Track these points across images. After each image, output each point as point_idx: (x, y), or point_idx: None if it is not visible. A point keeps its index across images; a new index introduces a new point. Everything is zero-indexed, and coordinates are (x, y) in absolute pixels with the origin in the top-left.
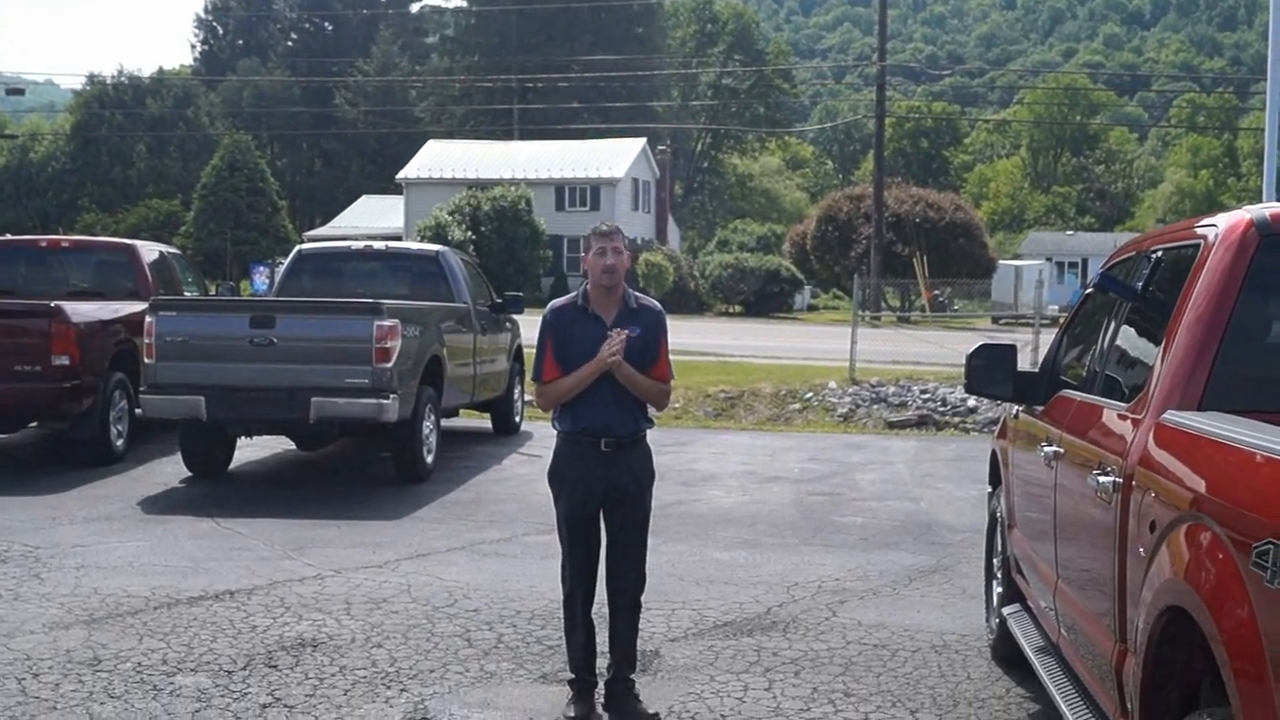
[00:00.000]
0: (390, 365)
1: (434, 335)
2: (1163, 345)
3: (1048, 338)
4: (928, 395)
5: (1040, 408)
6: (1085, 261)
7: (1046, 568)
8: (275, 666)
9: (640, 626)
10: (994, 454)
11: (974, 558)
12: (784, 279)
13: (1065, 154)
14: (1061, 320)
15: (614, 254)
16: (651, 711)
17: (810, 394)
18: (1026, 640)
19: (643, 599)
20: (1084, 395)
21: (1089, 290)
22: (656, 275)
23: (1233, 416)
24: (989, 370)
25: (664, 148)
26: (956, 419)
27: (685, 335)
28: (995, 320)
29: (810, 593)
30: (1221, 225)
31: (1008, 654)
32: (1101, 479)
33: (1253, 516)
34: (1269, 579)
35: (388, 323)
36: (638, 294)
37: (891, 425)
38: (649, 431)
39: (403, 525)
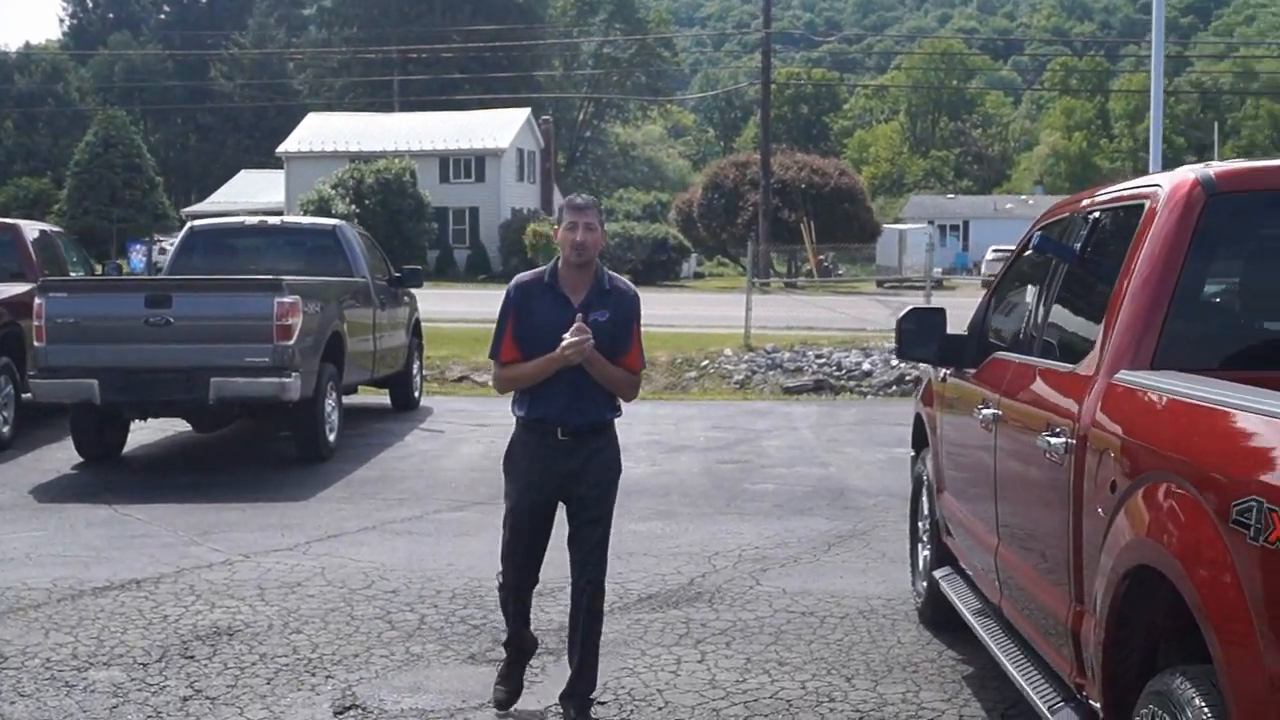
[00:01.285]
0: (291, 343)
1: (334, 311)
2: (1110, 306)
3: (937, 300)
4: (823, 360)
5: (972, 371)
6: (966, 224)
7: (985, 530)
8: (192, 657)
9: (563, 601)
10: (918, 418)
11: (890, 521)
12: (671, 247)
13: (943, 118)
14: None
15: (585, 230)
16: None
17: (706, 361)
18: (963, 603)
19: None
20: (1022, 357)
21: (1021, 252)
22: (544, 245)
23: (1189, 375)
24: (919, 334)
25: (547, 117)
26: (852, 383)
27: None
28: (880, 284)
29: (731, 562)
30: (1167, 185)
31: (937, 617)
32: (1052, 440)
33: (1231, 475)
34: (1251, 536)
35: (288, 299)
36: (613, 274)
37: (788, 391)
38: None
39: (310, 506)
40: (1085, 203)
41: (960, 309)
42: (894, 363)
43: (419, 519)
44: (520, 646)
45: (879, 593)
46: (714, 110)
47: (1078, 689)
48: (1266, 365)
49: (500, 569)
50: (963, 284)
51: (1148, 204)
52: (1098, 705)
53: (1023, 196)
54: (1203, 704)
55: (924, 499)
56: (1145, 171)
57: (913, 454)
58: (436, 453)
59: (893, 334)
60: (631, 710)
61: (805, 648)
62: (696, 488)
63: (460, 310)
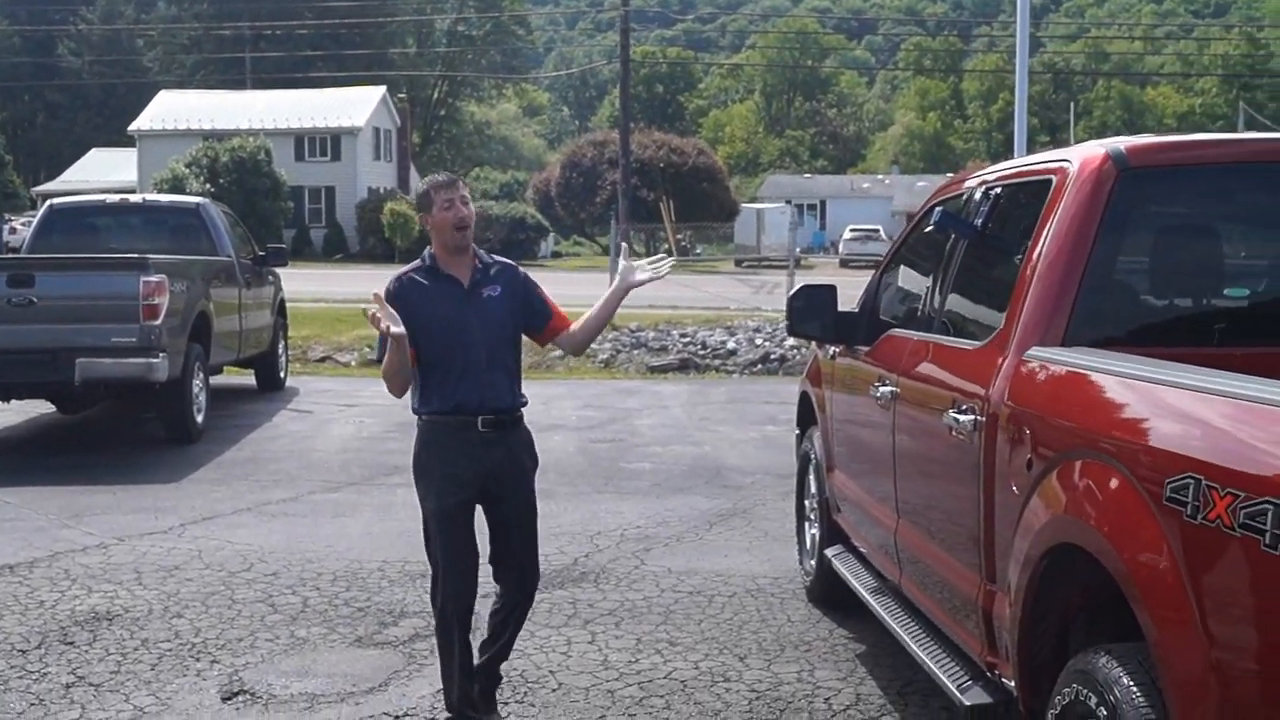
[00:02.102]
0: (158, 322)
1: (200, 290)
2: (1017, 283)
3: (799, 279)
4: (687, 339)
5: (865, 349)
6: (823, 204)
7: (883, 508)
8: (72, 643)
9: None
10: (804, 396)
11: (770, 499)
12: (530, 226)
13: (798, 98)
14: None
15: (463, 204)
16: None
17: None
18: (858, 581)
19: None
20: (921, 334)
21: (914, 229)
22: (401, 225)
23: (1102, 352)
24: (809, 311)
25: (403, 95)
26: (717, 361)
27: None
28: (739, 264)
29: (614, 541)
30: (1076, 160)
31: (825, 595)
32: (959, 418)
33: (1162, 452)
34: (1188, 514)
35: (155, 278)
36: (482, 251)
37: (653, 370)
38: None
39: (182, 488)
40: (985, 178)
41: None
42: (758, 341)
43: (294, 500)
44: (464, 668)
45: (765, 571)
46: (569, 89)
47: (989, 667)
48: (1176, 341)
49: (434, 609)
50: (821, 263)
51: (1055, 179)
52: (1011, 684)
53: (879, 176)
54: (1130, 682)
55: (810, 477)
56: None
57: (797, 432)
58: (306, 433)
59: (754, 313)
60: (525, 692)
61: (696, 627)
62: (573, 467)
63: (320, 290)
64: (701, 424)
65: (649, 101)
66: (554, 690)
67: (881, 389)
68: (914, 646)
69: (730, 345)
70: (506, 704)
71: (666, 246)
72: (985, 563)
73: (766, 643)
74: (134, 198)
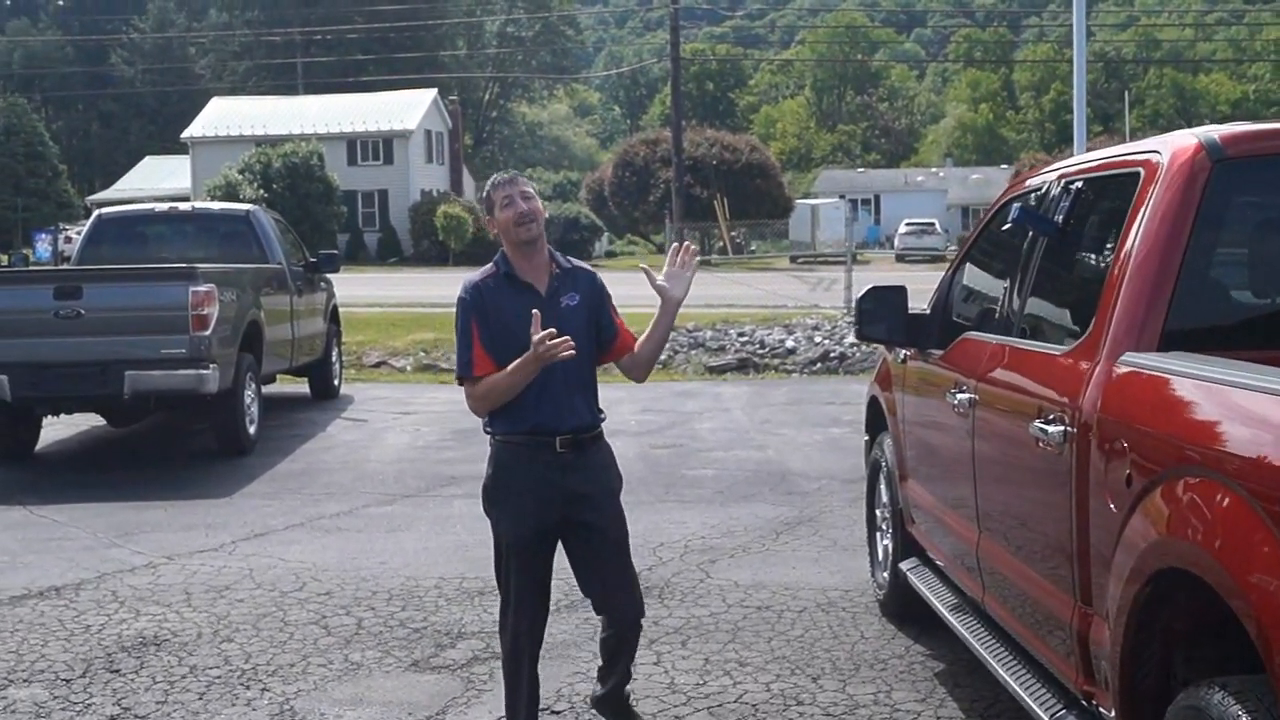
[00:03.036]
0: (208, 333)
1: (251, 299)
2: (1107, 284)
3: (855, 275)
4: (745, 338)
5: (938, 352)
6: (877, 198)
7: (963, 521)
8: (118, 671)
9: None
10: (874, 401)
11: (837, 507)
12: (584, 226)
13: (849, 92)
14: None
15: (523, 198)
16: None
17: None
18: (936, 598)
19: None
20: (1000, 338)
21: (987, 226)
22: (455, 228)
23: (1202, 357)
24: (878, 314)
25: (454, 98)
26: (776, 361)
27: None
28: (794, 260)
29: (678, 554)
30: (1167, 151)
31: (901, 610)
32: (1049, 428)
33: None
34: None
35: (203, 288)
36: (560, 254)
37: (712, 370)
38: None
39: (234, 503)
40: (1064, 171)
41: (883, 283)
42: (817, 339)
43: (348, 514)
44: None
45: (836, 584)
46: (619, 88)
47: (1086, 696)
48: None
49: (502, 640)
50: (876, 258)
51: (1144, 172)
52: (1111, 715)
53: (933, 169)
54: (1249, 718)
55: (882, 486)
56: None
57: (867, 438)
58: (361, 443)
59: (812, 310)
60: (591, 716)
61: (765, 645)
62: (633, 474)
63: (374, 295)
64: (763, 427)
65: (700, 99)
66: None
67: (959, 395)
68: (1001, 671)
69: (789, 344)
70: None
71: (721, 244)
72: (1080, 583)
73: (840, 662)
74: (183, 206)
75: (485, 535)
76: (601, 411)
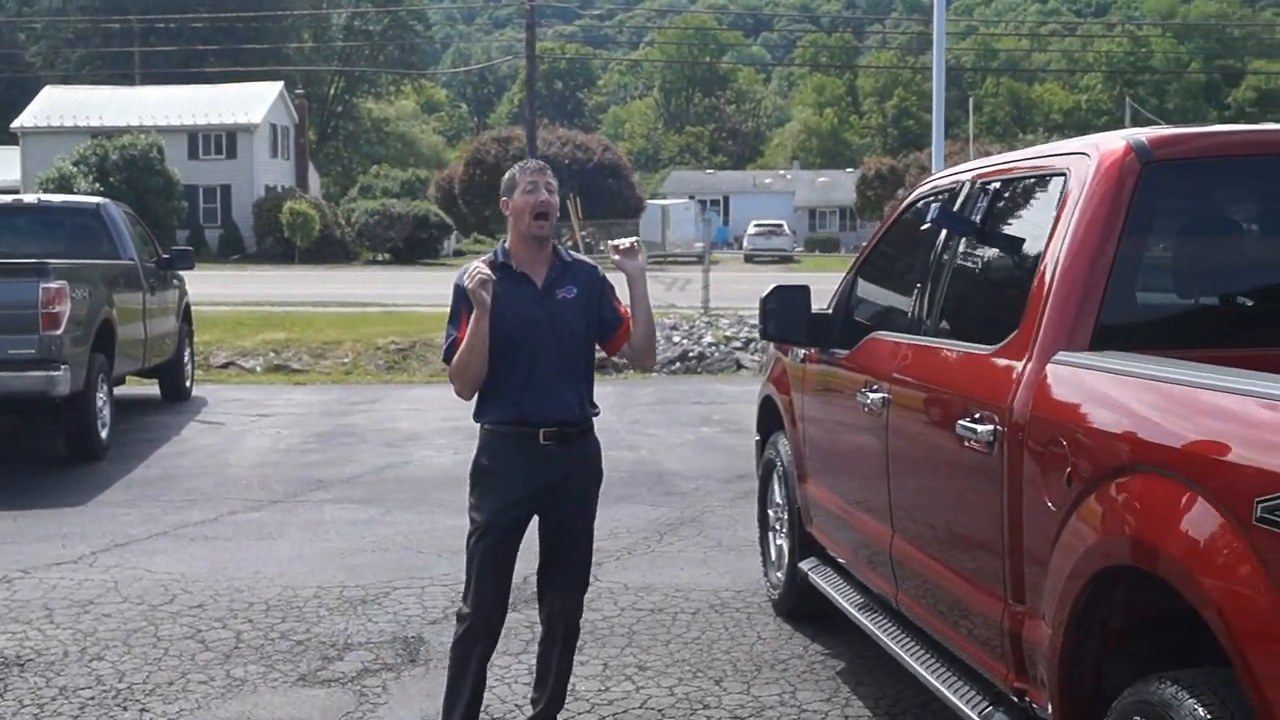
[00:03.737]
0: (60, 332)
1: (103, 296)
2: (1035, 284)
3: (713, 275)
4: None
5: (843, 352)
6: (726, 199)
7: (874, 521)
8: None
9: (392, 609)
10: (767, 401)
11: (717, 507)
12: (433, 224)
13: (696, 94)
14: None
15: (548, 190)
16: None
17: None
18: (842, 597)
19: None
20: (914, 338)
21: (891, 226)
22: (301, 225)
23: (1138, 356)
24: (782, 313)
25: (301, 92)
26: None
27: (344, 285)
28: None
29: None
30: (1096, 153)
31: (795, 609)
32: (977, 427)
33: (1253, 470)
34: None
35: (55, 285)
36: (566, 249)
37: None
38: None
39: (90, 511)
40: (981, 172)
41: (733, 283)
42: (675, 339)
43: (214, 522)
44: (473, 697)
45: (727, 585)
46: (466, 86)
47: (1018, 694)
48: (1209, 343)
49: (458, 626)
50: (725, 258)
51: (1070, 173)
52: (1045, 711)
53: (780, 171)
54: (1206, 714)
55: (775, 486)
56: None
57: (758, 439)
58: (219, 447)
59: (670, 310)
60: None
61: (663, 649)
62: None
63: (219, 293)
64: (633, 427)
65: (548, 98)
66: None
67: (871, 395)
68: (920, 669)
69: None
70: None
71: (571, 244)
72: (1011, 583)
73: (741, 663)
74: (28, 198)
75: (362, 542)
76: (595, 407)
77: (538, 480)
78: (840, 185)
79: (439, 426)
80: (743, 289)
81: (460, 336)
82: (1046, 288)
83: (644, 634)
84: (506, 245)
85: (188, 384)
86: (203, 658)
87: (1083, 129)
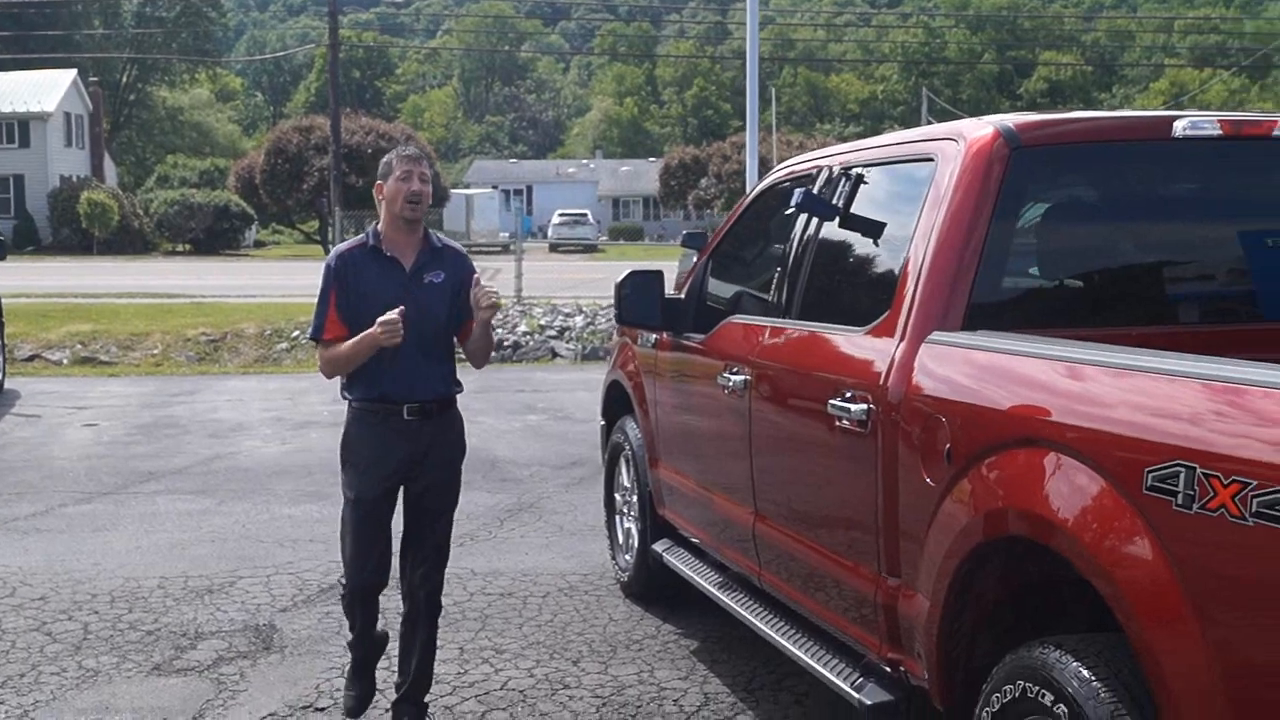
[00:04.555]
0: None
1: None
2: (905, 267)
3: (510, 265)
4: None
5: (698, 337)
6: (529, 188)
7: (735, 502)
8: None
9: (239, 598)
10: (614, 386)
11: (554, 493)
12: (234, 215)
13: (496, 83)
14: (509, 247)
15: (420, 180)
16: None
17: (297, 332)
18: (699, 576)
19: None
20: (775, 321)
21: (742, 214)
22: (100, 215)
23: (1017, 335)
24: (636, 299)
25: (95, 79)
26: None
27: (147, 277)
28: None
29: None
30: (964, 139)
31: (644, 591)
32: (850, 406)
33: (1140, 441)
34: (1180, 504)
35: None
36: (438, 234)
37: None
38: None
39: None
40: (843, 158)
41: (542, 272)
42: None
43: (44, 514)
44: (370, 644)
45: (573, 568)
46: (262, 74)
47: (891, 664)
48: (1074, 323)
49: (342, 597)
50: (530, 248)
51: (939, 157)
52: (919, 680)
53: (583, 161)
54: (1090, 675)
55: (623, 470)
56: (695, 138)
57: (603, 424)
58: (39, 440)
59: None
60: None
61: (517, 632)
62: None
63: (18, 285)
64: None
65: (347, 87)
66: (386, 711)
67: (732, 378)
68: (788, 645)
69: None
70: None
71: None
72: (885, 557)
73: (595, 644)
74: None
75: (200, 533)
76: (458, 384)
77: (402, 452)
78: (643, 174)
79: (262, 417)
80: (551, 278)
81: (330, 317)
82: (918, 271)
83: (497, 618)
84: (379, 228)
85: (0, 377)
86: (51, 649)
87: (879, 119)
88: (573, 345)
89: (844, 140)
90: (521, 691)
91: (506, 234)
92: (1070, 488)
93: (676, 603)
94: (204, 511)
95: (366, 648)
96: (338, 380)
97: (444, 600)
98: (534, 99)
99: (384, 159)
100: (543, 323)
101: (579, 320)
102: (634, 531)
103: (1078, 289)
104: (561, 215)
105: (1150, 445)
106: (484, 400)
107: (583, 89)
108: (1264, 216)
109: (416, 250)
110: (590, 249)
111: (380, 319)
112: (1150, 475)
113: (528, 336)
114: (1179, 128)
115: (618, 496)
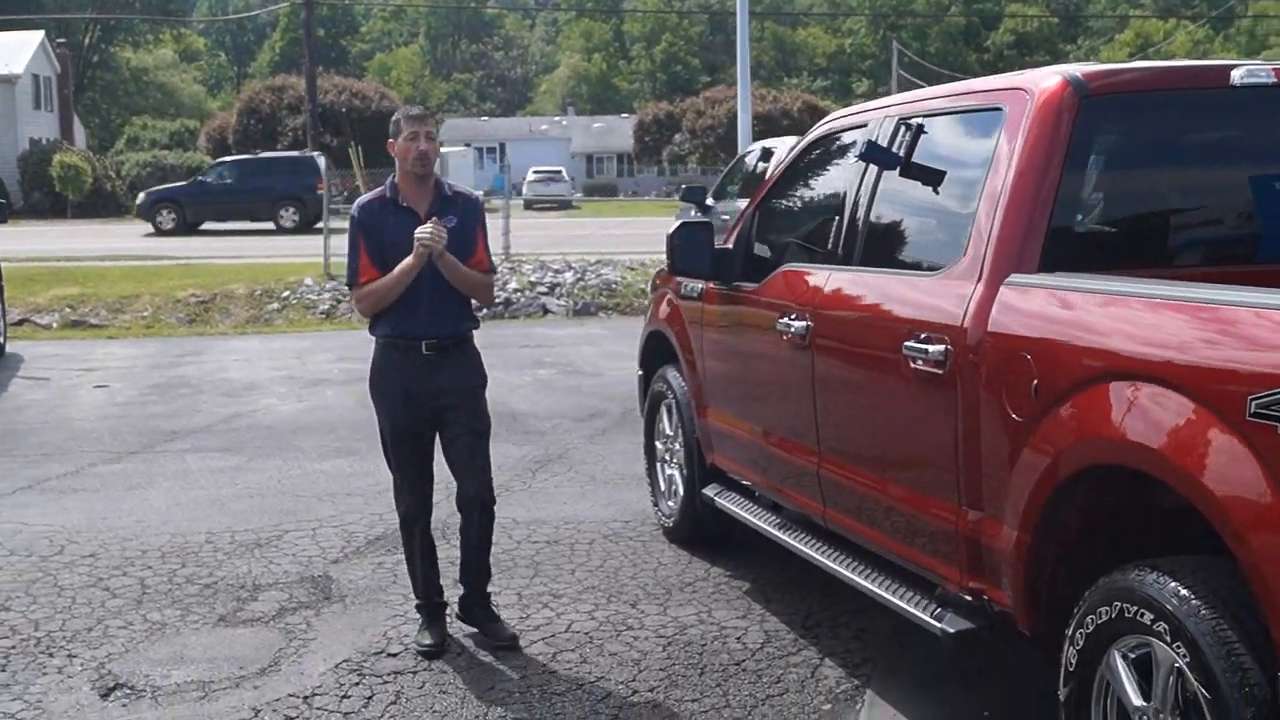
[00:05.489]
0: None
1: None
2: (980, 213)
3: (493, 223)
4: None
5: (751, 285)
6: (502, 146)
7: (795, 444)
8: None
9: (290, 551)
10: (655, 336)
11: (579, 444)
12: None
13: (463, 41)
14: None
15: (426, 139)
16: (511, 631)
17: (287, 293)
18: (758, 519)
19: (494, 511)
20: (837, 268)
21: (799, 163)
22: (73, 178)
23: (1099, 275)
24: (688, 249)
25: (63, 40)
26: None
27: (129, 240)
28: None
29: (443, 495)
30: (1034, 88)
31: (689, 536)
32: (928, 347)
33: (1239, 371)
34: None
35: None
36: (450, 182)
37: None
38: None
39: None
40: (901, 108)
41: (519, 230)
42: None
43: (77, 474)
44: (433, 602)
45: (613, 515)
46: (225, 34)
47: (973, 593)
48: (1142, 264)
49: (398, 512)
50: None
51: (1008, 107)
52: (1003, 607)
53: (556, 118)
54: (1190, 594)
55: (664, 418)
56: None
57: (641, 374)
58: (55, 402)
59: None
60: (429, 666)
61: (570, 577)
62: (363, 421)
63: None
64: None
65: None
66: (460, 655)
67: (793, 324)
68: (861, 580)
69: None
70: (417, 674)
71: (348, 192)
72: (966, 491)
73: (650, 587)
74: None
75: (237, 489)
76: (474, 320)
77: (427, 385)
78: (616, 131)
79: (273, 376)
80: (535, 235)
81: (363, 262)
82: (992, 217)
83: (548, 564)
84: (395, 180)
85: (1, 340)
86: (113, 604)
87: (847, 73)
88: (564, 301)
89: (811, 94)
90: (586, 633)
91: (481, 192)
92: (1171, 418)
93: (722, 546)
94: (236, 469)
95: (431, 603)
96: (341, 340)
97: (494, 550)
98: (501, 56)
99: (393, 118)
100: (533, 279)
101: (569, 276)
102: (678, 478)
103: (1144, 231)
104: (536, 172)
105: (1253, 375)
106: (492, 355)
107: (550, 45)
108: None
109: (430, 200)
110: (565, 206)
111: (417, 232)
112: (1254, 403)
113: (519, 293)
114: (1236, 76)
115: (659, 444)
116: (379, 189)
